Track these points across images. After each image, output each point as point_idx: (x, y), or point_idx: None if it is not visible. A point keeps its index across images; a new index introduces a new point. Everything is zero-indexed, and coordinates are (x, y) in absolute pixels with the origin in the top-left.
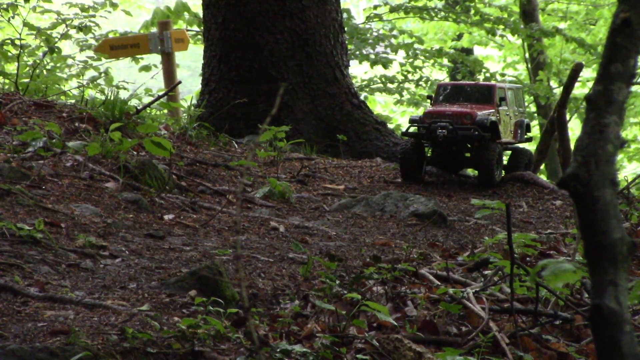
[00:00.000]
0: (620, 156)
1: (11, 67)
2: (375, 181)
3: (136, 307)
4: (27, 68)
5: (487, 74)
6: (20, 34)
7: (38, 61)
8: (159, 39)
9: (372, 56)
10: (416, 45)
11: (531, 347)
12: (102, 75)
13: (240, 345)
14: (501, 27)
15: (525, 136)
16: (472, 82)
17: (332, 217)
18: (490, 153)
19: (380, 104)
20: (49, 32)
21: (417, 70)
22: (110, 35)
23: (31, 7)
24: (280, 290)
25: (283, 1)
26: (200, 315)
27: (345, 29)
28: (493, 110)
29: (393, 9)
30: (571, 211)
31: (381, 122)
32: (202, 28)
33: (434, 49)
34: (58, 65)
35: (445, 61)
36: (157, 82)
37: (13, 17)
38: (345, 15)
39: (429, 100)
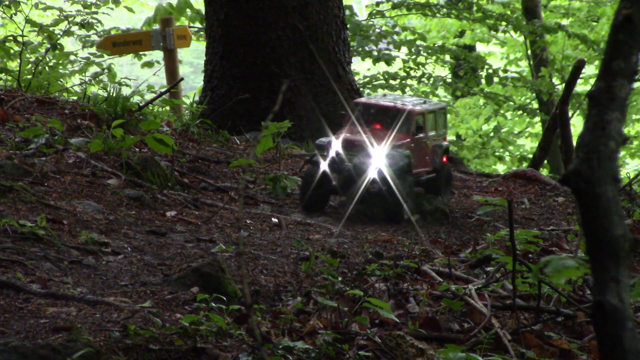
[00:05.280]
0: (622, 153)
1: (14, 64)
2: None
3: (138, 304)
4: (30, 65)
5: (490, 71)
6: (22, 31)
7: (40, 58)
8: (162, 36)
9: (375, 53)
10: (419, 42)
11: (533, 343)
12: (105, 72)
13: (243, 341)
14: (503, 23)
15: (444, 161)
16: (391, 104)
17: (334, 214)
18: (398, 187)
19: None
20: (51, 28)
21: (420, 67)
22: (113, 32)
23: (33, 3)
24: (282, 286)
25: None
26: (202, 312)
27: (348, 25)
28: (407, 140)
29: (395, 6)
30: (573, 208)
31: None
32: (204, 25)
33: (436, 45)
34: (60, 62)
35: (447, 58)
36: (159, 79)
37: (15, 14)
38: (347, 11)
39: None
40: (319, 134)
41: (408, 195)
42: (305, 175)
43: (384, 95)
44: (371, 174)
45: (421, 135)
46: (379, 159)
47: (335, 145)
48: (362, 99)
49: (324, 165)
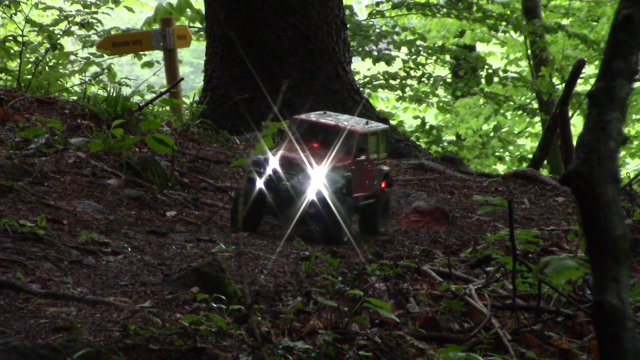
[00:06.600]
0: (622, 153)
1: (14, 64)
2: None
3: (138, 304)
4: (30, 65)
5: (490, 71)
6: (22, 31)
7: (40, 58)
8: (162, 36)
9: (375, 53)
10: (419, 42)
11: (533, 343)
12: (105, 72)
13: (243, 341)
14: (503, 23)
15: (383, 187)
16: (333, 123)
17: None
18: (338, 209)
19: (382, 101)
20: (51, 28)
21: (420, 67)
22: (113, 32)
23: (33, 3)
24: (282, 286)
25: None
26: (202, 312)
27: (348, 25)
28: (349, 162)
29: (395, 6)
30: (573, 208)
31: (383, 119)
32: (204, 25)
33: (436, 45)
34: (60, 62)
35: (447, 58)
36: (159, 79)
37: (15, 14)
38: (347, 11)
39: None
40: None
41: (348, 217)
42: (238, 193)
43: (324, 113)
44: (310, 195)
45: (363, 157)
46: (317, 179)
47: (273, 162)
48: (302, 116)
49: (260, 183)
